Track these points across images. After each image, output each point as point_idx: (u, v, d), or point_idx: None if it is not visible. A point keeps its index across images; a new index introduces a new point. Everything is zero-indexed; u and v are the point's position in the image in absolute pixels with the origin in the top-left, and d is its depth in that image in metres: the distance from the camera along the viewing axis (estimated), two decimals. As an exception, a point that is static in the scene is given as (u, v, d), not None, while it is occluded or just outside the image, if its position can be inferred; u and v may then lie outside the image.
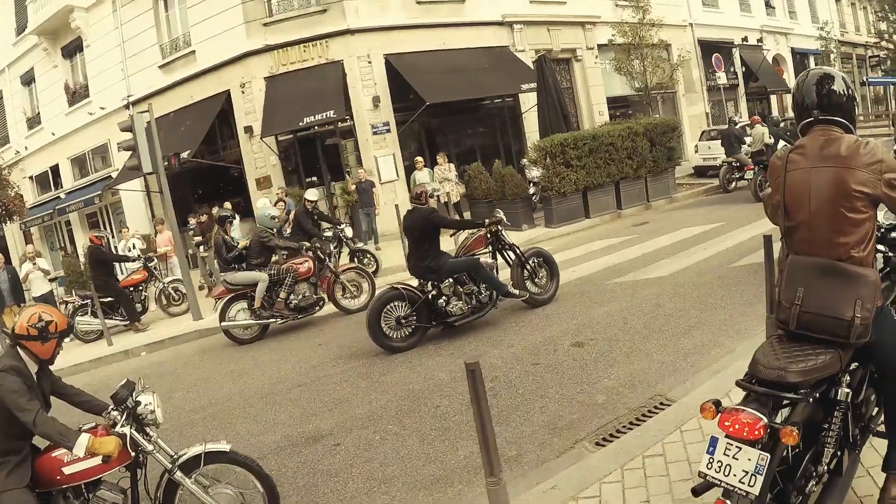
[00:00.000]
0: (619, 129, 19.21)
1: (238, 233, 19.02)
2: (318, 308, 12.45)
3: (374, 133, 21.35)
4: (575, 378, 7.12)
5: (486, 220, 10.39)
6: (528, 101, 22.64)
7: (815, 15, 45.27)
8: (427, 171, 19.41)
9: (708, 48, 32.35)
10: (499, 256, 10.51)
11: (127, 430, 4.59)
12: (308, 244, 12.79)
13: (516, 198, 18.03)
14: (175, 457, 4.78)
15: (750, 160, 20.91)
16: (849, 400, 3.45)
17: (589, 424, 5.98)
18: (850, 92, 3.57)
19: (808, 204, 3.45)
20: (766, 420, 3.09)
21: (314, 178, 22.49)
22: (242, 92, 21.80)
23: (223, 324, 12.03)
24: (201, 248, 18.09)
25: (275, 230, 12.93)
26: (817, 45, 42.61)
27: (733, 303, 8.87)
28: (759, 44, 37.29)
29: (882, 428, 3.78)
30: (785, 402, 3.31)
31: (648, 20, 25.33)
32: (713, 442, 3.21)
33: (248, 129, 21.57)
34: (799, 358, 3.30)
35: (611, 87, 28.38)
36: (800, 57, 42.83)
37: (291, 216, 16.11)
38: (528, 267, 10.50)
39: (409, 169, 20.30)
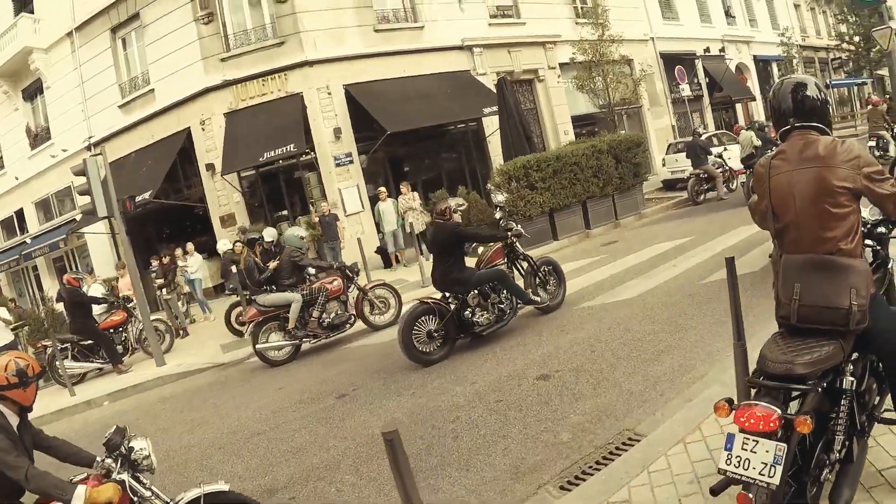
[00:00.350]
0: (583, 148, 19.14)
1: (202, 272, 18.82)
2: (349, 325, 12.66)
3: (337, 165, 21.11)
4: (539, 415, 6.85)
5: (508, 233, 10.87)
6: (492, 125, 22.49)
7: (776, 21, 45.71)
8: (391, 202, 19.18)
9: (670, 61, 32.59)
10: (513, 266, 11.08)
11: (125, 476, 4.43)
12: (336, 263, 13.13)
13: (482, 224, 17.80)
14: (172, 502, 4.61)
15: (718, 171, 21.18)
16: (854, 388, 3.58)
17: (553, 466, 5.71)
18: (823, 96, 3.81)
19: (793, 204, 3.66)
20: (780, 412, 3.25)
21: (284, 212, 22.38)
22: (202, 129, 21.54)
23: (258, 346, 12.03)
24: (164, 290, 17.76)
25: (304, 250, 13.14)
26: (779, 51, 42.99)
27: (704, 322, 8.66)
28: (722, 53, 37.56)
29: (887, 415, 4.03)
30: (794, 394, 3.49)
31: (608, 36, 25.33)
32: (730, 438, 3.34)
33: (210, 167, 21.25)
34: (804, 351, 3.47)
35: (575, 106, 28.37)
36: (763, 64, 43.20)
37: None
38: (540, 275, 11.09)
39: (375, 200, 20.08)
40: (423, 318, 9.71)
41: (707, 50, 36.20)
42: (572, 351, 8.75)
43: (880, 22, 12.73)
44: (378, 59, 22.34)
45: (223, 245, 17.13)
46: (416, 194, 19.71)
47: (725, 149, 24.12)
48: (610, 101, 26.20)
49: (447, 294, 10.05)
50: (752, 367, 4.67)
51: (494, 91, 20.87)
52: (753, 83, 41.66)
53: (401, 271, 17.96)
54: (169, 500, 4.61)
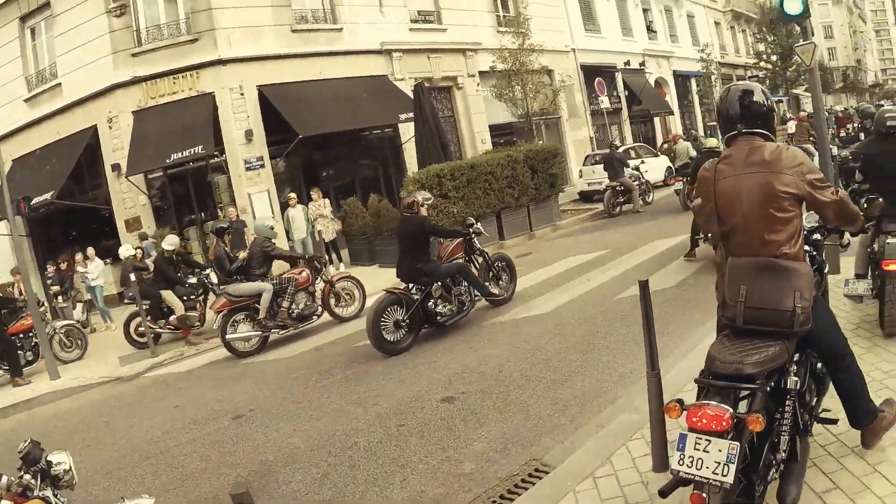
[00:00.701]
0: (498, 158, 19.01)
1: (102, 279, 18.07)
2: (316, 317, 12.79)
3: (248, 168, 20.51)
4: (441, 442, 6.48)
5: (470, 230, 11.52)
6: (409, 132, 22.21)
7: (696, 38, 46.82)
8: (301, 208, 18.66)
9: (591, 73, 32.96)
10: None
11: (49, 493, 3.97)
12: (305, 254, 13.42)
13: (393, 232, 17.42)
14: None
15: (635, 183, 21.63)
16: (798, 388, 3.72)
17: (454, 500, 5.35)
18: (770, 103, 3.96)
19: (739, 208, 3.79)
20: (731, 411, 3.30)
21: (193, 217, 21.79)
22: (110, 127, 20.71)
23: (228, 336, 11.98)
24: (59, 297, 16.84)
25: (273, 240, 13.06)
26: (698, 67, 43.85)
27: (617, 341, 8.50)
28: (642, 67, 38.21)
29: (824, 415, 4.25)
30: (742, 394, 3.53)
31: (529, 45, 25.28)
32: (682, 439, 3.37)
33: (116, 167, 20.39)
34: (752, 351, 3.57)
35: (493, 115, 28.28)
36: (682, 79, 44.16)
37: (150, 261, 15.36)
38: (494, 270, 11.84)
39: (285, 206, 19.53)
40: (390, 308, 10.05)
41: (627, 63, 36.77)
42: (479, 371, 8.47)
43: (804, 37, 13.09)
44: (294, 60, 21.85)
45: (125, 251, 16.39)
46: (327, 201, 19.25)
47: (643, 161, 24.46)
48: (528, 111, 26.17)
49: (411, 285, 10.49)
50: (667, 396, 4.55)
51: (412, 97, 20.60)
52: (672, 97, 42.48)
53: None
54: None
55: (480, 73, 27.54)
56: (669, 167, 28.12)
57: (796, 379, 3.71)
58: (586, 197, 25.58)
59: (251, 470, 6.83)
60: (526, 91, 25.76)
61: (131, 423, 9.69)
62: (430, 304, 10.40)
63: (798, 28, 15.15)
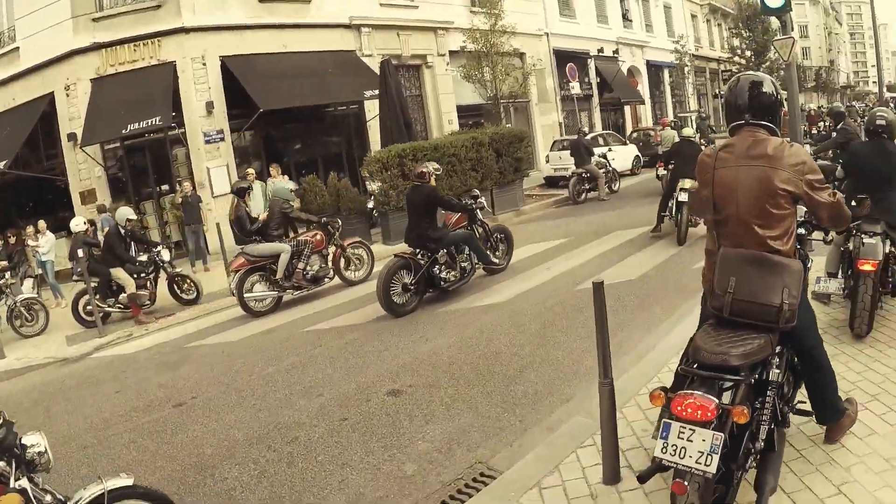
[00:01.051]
0: (462, 140, 18.80)
1: (54, 254, 17.45)
2: (328, 280, 13.20)
3: (207, 142, 19.98)
4: (384, 439, 6.20)
5: (473, 204, 12.26)
6: (374, 109, 21.78)
7: (672, 29, 46.86)
8: (259, 184, 18.05)
9: (563, 58, 32.75)
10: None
11: (25, 482, 3.71)
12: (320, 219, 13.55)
13: (353, 212, 17.25)
14: (70, 502, 3.91)
15: (601, 171, 21.65)
16: (779, 380, 3.80)
17: None
18: (779, 96, 3.91)
19: (735, 199, 3.78)
20: (717, 402, 3.34)
21: (150, 190, 21.22)
22: (67, 95, 20.08)
23: (246, 295, 12.30)
24: (7, 274, 15.93)
25: (293, 202, 13.71)
26: (672, 58, 43.84)
27: (574, 336, 8.26)
28: (615, 55, 38.09)
29: (801, 406, 4.32)
30: (725, 385, 3.54)
31: (501, 27, 24.96)
32: (666, 427, 3.39)
33: (72, 137, 19.72)
34: (738, 343, 3.58)
35: (462, 96, 28.00)
36: (655, 69, 44.20)
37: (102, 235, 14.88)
38: (492, 241, 12.52)
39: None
40: (399, 272, 10.59)
41: (601, 50, 36.68)
42: (429, 362, 8.21)
43: (783, 32, 13.06)
44: (259, 31, 21.32)
45: (77, 224, 15.83)
46: (286, 178, 18.90)
47: (610, 149, 24.41)
48: (497, 93, 25.90)
49: (418, 251, 10.94)
50: (620, 401, 4.48)
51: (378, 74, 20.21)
52: (644, 87, 42.47)
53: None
54: (62, 498, 3.92)
55: (451, 52, 27.25)
56: (637, 156, 28.14)
57: (778, 371, 3.76)
58: (552, 182, 25.56)
59: (187, 464, 6.53)
60: (496, 73, 25.49)
61: (71, 408, 9.27)
62: (436, 269, 10.95)
63: (774, 25, 15.09)
